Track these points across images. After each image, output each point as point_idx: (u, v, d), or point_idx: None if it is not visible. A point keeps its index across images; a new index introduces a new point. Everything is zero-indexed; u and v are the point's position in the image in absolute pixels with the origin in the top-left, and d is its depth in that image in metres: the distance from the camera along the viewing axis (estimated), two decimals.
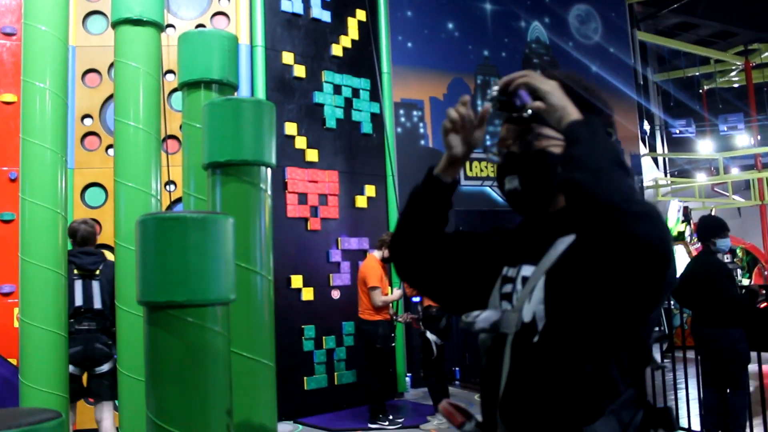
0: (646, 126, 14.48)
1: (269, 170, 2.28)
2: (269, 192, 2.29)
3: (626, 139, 11.90)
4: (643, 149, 13.48)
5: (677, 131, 16.16)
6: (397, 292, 6.51)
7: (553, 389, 1.34)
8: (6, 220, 5.93)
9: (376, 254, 6.46)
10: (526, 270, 1.45)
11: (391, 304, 6.48)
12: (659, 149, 15.85)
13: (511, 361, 1.39)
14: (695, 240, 12.05)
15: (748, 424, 5.08)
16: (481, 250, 1.65)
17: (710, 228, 5.46)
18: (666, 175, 15.88)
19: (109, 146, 6.15)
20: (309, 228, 7.03)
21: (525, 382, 1.38)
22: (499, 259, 1.55)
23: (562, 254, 1.38)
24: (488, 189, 9.72)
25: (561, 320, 1.34)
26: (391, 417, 6.33)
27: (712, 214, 8.88)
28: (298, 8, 7.21)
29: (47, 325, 3.83)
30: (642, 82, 14.16)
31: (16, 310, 5.63)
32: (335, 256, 7.20)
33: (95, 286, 4.78)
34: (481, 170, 9.70)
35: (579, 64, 11.40)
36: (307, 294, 6.92)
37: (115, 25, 4.28)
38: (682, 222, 12.30)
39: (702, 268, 5.29)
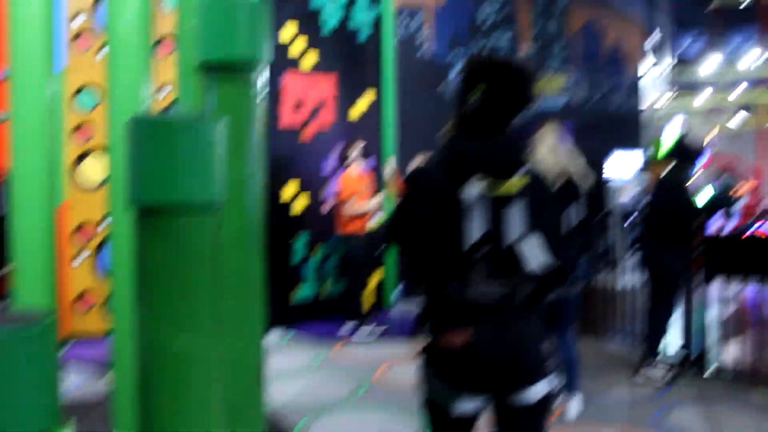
0: (654, 37, 14.16)
1: (264, 72, 2.21)
2: (263, 94, 2.23)
3: (632, 55, 11.66)
4: (649, 64, 13.23)
5: (685, 46, 15.83)
6: (373, 200, 6.49)
7: None
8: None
9: (355, 166, 6.47)
10: None
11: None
12: (665, 65, 15.57)
13: None
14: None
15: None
16: None
17: (694, 151, 5.37)
18: (671, 90, 15.62)
19: (102, 46, 5.98)
20: (303, 136, 6.94)
21: None
22: None
23: None
24: None
25: None
26: (368, 326, 6.45)
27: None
28: None
29: (37, 231, 3.79)
30: None
31: None
32: (328, 166, 7.11)
33: None
34: None
35: None
36: (299, 206, 6.90)
37: None
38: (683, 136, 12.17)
39: (674, 194, 5.17)
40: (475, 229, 2.00)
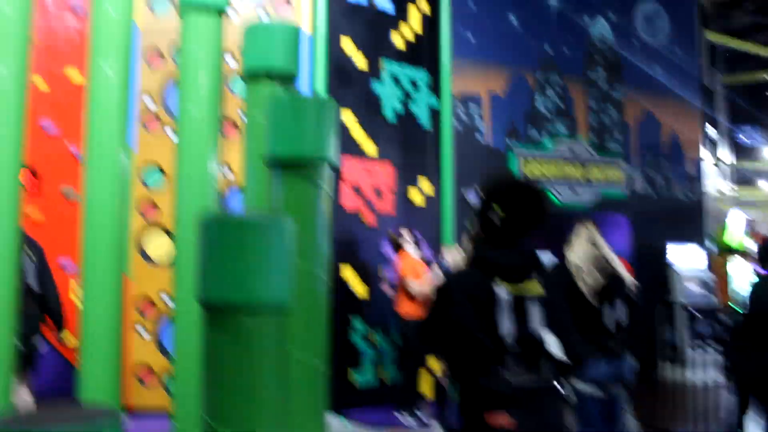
0: (711, 132, 14.05)
1: (329, 169, 2.26)
2: (329, 191, 2.27)
3: (689, 144, 11.57)
4: (707, 156, 13.08)
5: (743, 138, 15.65)
6: (428, 276, 6.47)
7: None
8: (69, 197, 6.05)
9: (410, 249, 6.50)
10: None
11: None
12: (723, 156, 15.38)
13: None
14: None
15: None
16: None
17: None
18: (729, 184, 15.39)
19: (170, 128, 6.22)
20: (363, 221, 7.00)
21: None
22: None
23: None
24: (548, 188, 9.56)
25: None
26: (417, 414, 6.31)
27: None
28: None
29: (105, 301, 3.89)
30: (708, 85, 13.74)
31: (72, 282, 5.77)
32: (388, 250, 7.13)
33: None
34: (539, 169, 9.54)
35: (645, 62, 11.12)
36: (358, 287, 6.90)
37: (181, 8, 4.32)
38: (747, 235, 11.88)
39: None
40: (506, 323, 2.33)
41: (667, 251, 9.97)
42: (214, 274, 1.49)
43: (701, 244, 10.62)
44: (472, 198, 2.40)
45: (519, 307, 2.36)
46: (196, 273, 1.52)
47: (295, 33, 3.61)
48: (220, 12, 4.36)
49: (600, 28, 10.81)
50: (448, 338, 2.40)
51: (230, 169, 6.29)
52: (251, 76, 3.57)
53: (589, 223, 4.44)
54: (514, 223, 2.46)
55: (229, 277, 1.47)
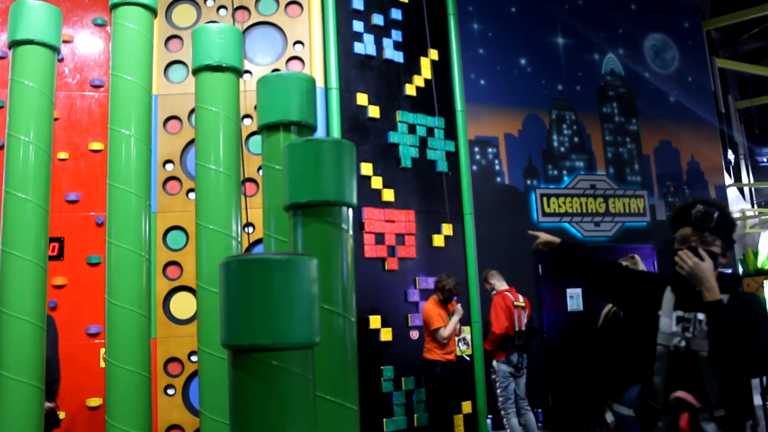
0: (730, 155, 13.96)
1: (350, 210, 2.26)
2: (350, 232, 2.27)
3: (710, 170, 11.49)
4: (728, 179, 12.98)
5: (764, 159, 15.54)
6: (453, 319, 6.46)
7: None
8: (93, 263, 6.12)
9: (435, 296, 6.55)
10: (701, 316, 2.52)
11: (457, 346, 6.52)
12: (744, 179, 15.25)
13: (714, 371, 2.45)
14: None
15: None
16: (639, 284, 2.82)
17: None
18: (753, 206, 15.24)
19: (190, 190, 6.30)
20: (387, 268, 7.00)
21: (730, 383, 2.45)
22: (659, 297, 2.68)
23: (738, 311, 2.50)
24: (567, 225, 9.51)
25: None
26: None
27: None
28: (371, 50, 7.29)
29: (133, 366, 3.90)
30: (724, 110, 13.71)
31: (102, 351, 5.77)
32: (413, 295, 7.13)
33: None
34: (559, 206, 9.51)
35: (658, 93, 11.13)
36: (386, 334, 6.87)
37: (196, 71, 4.42)
38: None
39: None
40: None
41: None
42: (239, 315, 1.49)
43: (732, 268, 10.46)
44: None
45: None
46: (221, 316, 1.52)
47: (309, 82, 3.66)
48: (234, 71, 4.46)
49: (610, 63, 10.88)
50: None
51: (253, 226, 6.34)
52: (267, 128, 3.62)
53: (635, 256, 4.49)
54: None
55: (254, 317, 1.47)
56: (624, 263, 4.85)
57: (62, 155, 6.22)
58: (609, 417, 4.69)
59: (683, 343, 2.50)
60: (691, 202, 2.71)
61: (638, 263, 4.69)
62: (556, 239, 3.13)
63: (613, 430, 4.78)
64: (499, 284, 6.54)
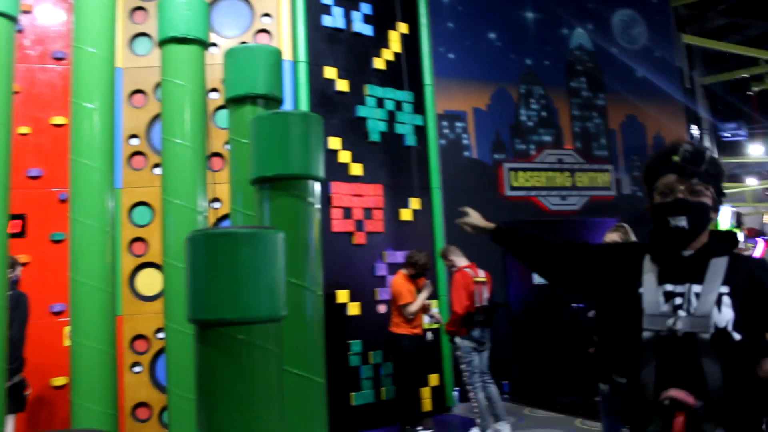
0: (695, 130, 14.15)
1: (318, 184, 2.24)
2: (318, 206, 2.25)
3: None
4: None
5: (727, 135, 15.78)
6: (422, 295, 6.47)
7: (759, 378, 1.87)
8: (57, 240, 6.02)
9: (404, 271, 6.51)
10: (696, 288, 1.98)
11: (422, 319, 6.55)
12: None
13: (719, 357, 1.90)
14: (749, 245, 11.69)
15: None
16: (598, 258, 2.27)
17: None
18: None
19: (156, 165, 6.21)
20: (354, 242, 7.00)
21: (738, 372, 1.89)
22: (638, 271, 2.11)
23: (743, 279, 1.99)
24: (536, 197, 9.58)
25: (755, 328, 1.93)
26: (420, 429, 6.31)
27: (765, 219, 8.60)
28: (340, 23, 7.22)
29: (97, 342, 3.86)
30: (689, 86, 13.85)
31: (66, 329, 5.71)
32: (381, 270, 7.15)
33: None
34: (527, 180, 9.57)
35: (625, 68, 11.21)
36: (353, 309, 6.89)
37: (162, 43, 4.34)
38: (735, 228, 11.97)
39: None
40: None
41: None
42: (205, 289, 1.47)
43: None
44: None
45: None
46: (187, 291, 1.50)
47: (276, 55, 3.61)
48: (201, 43, 4.38)
49: (579, 38, 10.91)
50: None
51: (220, 201, 6.28)
52: (234, 101, 3.57)
53: (624, 225, 4.44)
54: None
55: (219, 291, 1.45)
56: (612, 234, 4.73)
57: (23, 130, 6.08)
58: (603, 386, 4.62)
59: (679, 325, 1.94)
60: (672, 145, 2.14)
61: (629, 233, 4.52)
62: (490, 225, 2.55)
63: (602, 401, 4.72)
64: (459, 260, 6.52)
